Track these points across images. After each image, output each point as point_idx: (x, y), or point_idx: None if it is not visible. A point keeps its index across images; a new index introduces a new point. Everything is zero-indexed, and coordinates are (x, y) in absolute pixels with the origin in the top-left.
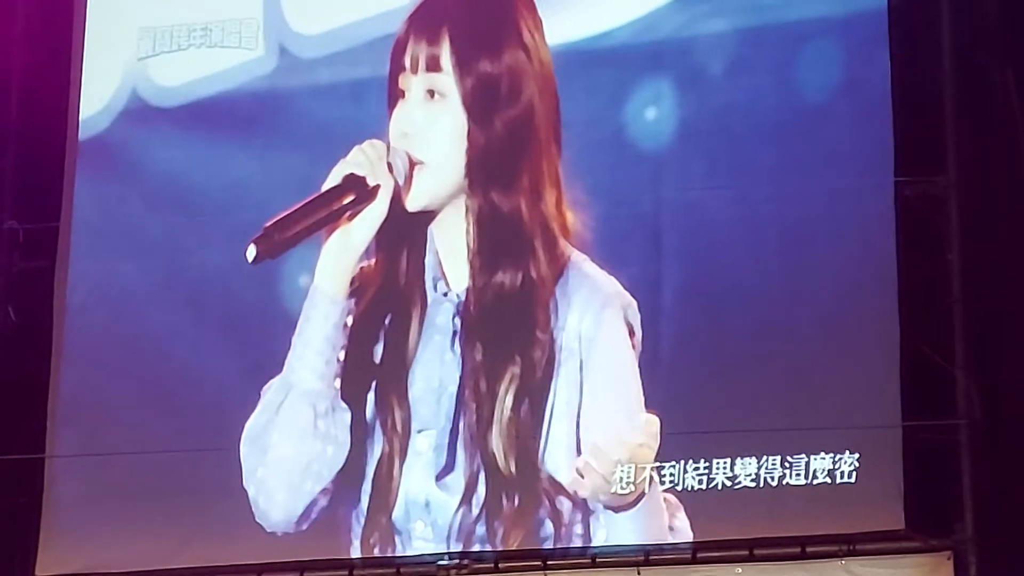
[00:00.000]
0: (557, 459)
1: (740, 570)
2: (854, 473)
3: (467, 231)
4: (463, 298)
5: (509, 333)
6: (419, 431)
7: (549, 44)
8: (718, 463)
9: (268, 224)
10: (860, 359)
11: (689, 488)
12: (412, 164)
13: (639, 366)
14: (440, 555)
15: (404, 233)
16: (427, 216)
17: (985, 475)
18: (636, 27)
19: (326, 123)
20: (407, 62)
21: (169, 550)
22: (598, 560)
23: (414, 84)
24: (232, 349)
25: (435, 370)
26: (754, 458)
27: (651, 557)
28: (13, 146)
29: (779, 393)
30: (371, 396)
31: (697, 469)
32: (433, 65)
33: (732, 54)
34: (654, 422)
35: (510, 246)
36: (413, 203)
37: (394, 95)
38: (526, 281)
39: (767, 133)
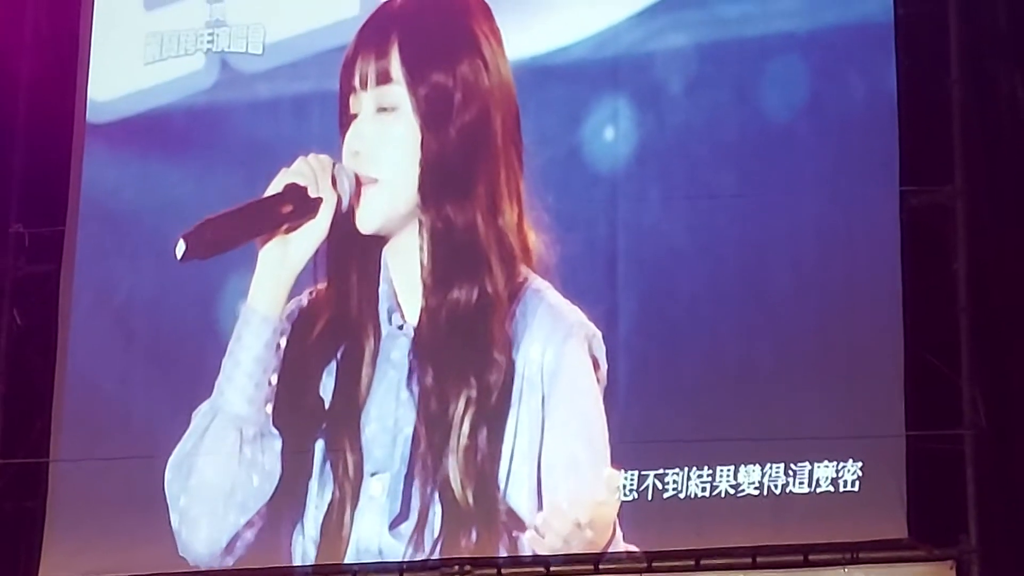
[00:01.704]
0: (519, 499)
1: None
2: (857, 482)
3: (421, 248)
4: (417, 332)
5: (464, 354)
6: (372, 474)
7: (514, 58)
8: (722, 471)
9: (201, 222)
10: (864, 368)
11: (692, 496)
12: (360, 183)
13: (608, 396)
14: (447, 561)
15: (355, 259)
16: (380, 241)
17: (990, 485)
18: (594, 42)
19: (266, 141)
20: (356, 81)
21: (172, 555)
22: (601, 567)
23: (364, 101)
24: (164, 375)
25: (390, 409)
26: (758, 466)
27: (654, 564)
28: (20, 150)
29: (783, 401)
30: (320, 438)
31: (701, 476)
32: (383, 78)
33: (692, 71)
34: (616, 477)
35: (465, 262)
36: (366, 224)
37: (345, 118)
38: (482, 298)
39: (728, 153)
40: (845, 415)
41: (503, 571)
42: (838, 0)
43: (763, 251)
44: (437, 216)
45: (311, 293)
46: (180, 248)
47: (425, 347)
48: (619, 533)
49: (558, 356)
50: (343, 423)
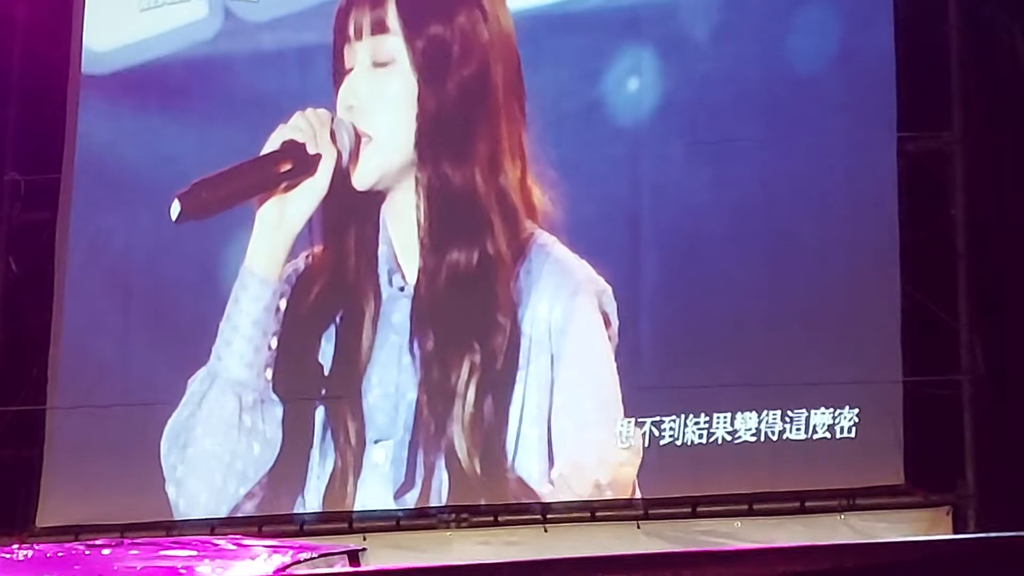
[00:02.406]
0: (529, 465)
1: (739, 524)
2: (854, 428)
3: (417, 207)
4: (417, 290)
5: (466, 318)
6: (375, 441)
7: (518, 8)
8: (718, 417)
9: (196, 181)
10: (861, 315)
11: (689, 443)
12: (359, 138)
13: (618, 354)
14: (441, 508)
15: (353, 219)
16: (378, 198)
17: (987, 431)
18: None
19: (269, 93)
20: (351, 30)
21: (169, 503)
22: (597, 515)
23: (359, 52)
24: (160, 326)
25: (391, 375)
26: (754, 412)
27: (650, 512)
28: (15, 98)
29: (779, 348)
30: (321, 405)
31: (697, 424)
32: (379, 27)
33: (717, 18)
34: (637, 435)
35: (464, 221)
36: (361, 181)
37: (340, 69)
38: (483, 259)
39: (753, 104)
40: (842, 362)
41: (500, 518)
42: None
43: (761, 200)
44: (434, 173)
45: (308, 256)
46: (175, 209)
47: (425, 310)
48: (638, 493)
49: (567, 313)
50: (344, 390)
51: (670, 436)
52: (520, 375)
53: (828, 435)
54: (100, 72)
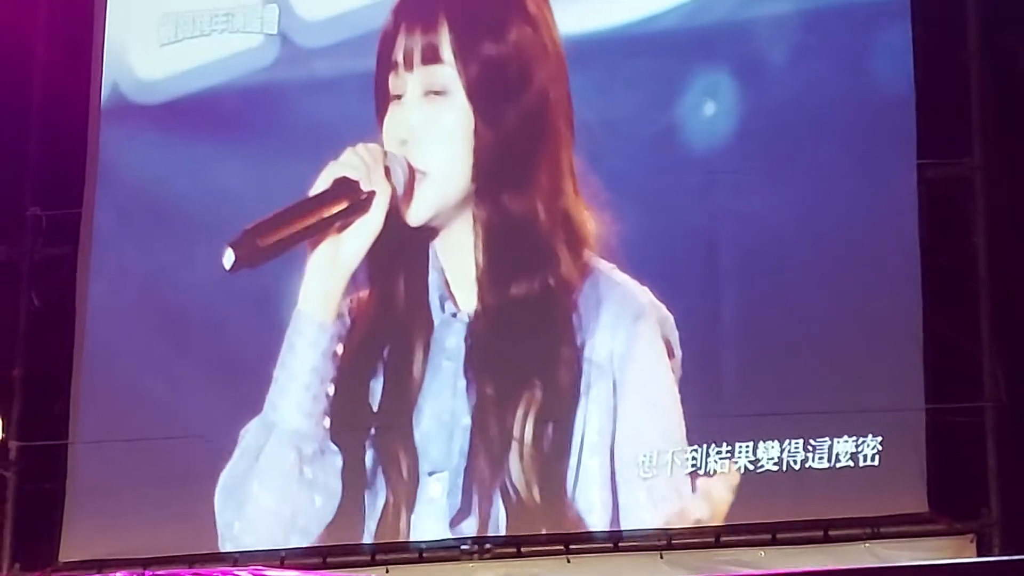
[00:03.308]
0: (590, 495)
1: (763, 553)
2: (877, 456)
3: (475, 245)
4: (473, 318)
5: (525, 345)
6: (430, 474)
7: (586, 29)
8: (741, 447)
9: (248, 227)
10: (883, 342)
11: (711, 472)
12: (413, 173)
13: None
14: (463, 539)
15: (402, 252)
16: (428, 232)
17: (1010, 458)
18: (686, 9)
19: (327, 122)
20: (399, 57)
21: (191, 535)
22: (620, 545)
23: (410, 83)
24: (216, 381)
25: (446, 402)
26: (776, 442)
27: (674, 541)
28: (36, 133)
29: (802, 376)
30: (368, 443)
31: (720, 453)
32: (431, 56)
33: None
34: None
35: (525, 253)
36: (415, 217)
37: (383, 98)
38: (545, 291)
39: (833, 129)
40: (864, 389)
41: (522, 550)
42: None
43: (786, 226)
44: (494, 208)
45: (356, 297)
46: (229, 258)
47: (483, 337)
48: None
49: (629, 339)
50: (393, 425)
51: (692, 466)
52: (581, 402)
53: (851, 463)
54: (151, 101)
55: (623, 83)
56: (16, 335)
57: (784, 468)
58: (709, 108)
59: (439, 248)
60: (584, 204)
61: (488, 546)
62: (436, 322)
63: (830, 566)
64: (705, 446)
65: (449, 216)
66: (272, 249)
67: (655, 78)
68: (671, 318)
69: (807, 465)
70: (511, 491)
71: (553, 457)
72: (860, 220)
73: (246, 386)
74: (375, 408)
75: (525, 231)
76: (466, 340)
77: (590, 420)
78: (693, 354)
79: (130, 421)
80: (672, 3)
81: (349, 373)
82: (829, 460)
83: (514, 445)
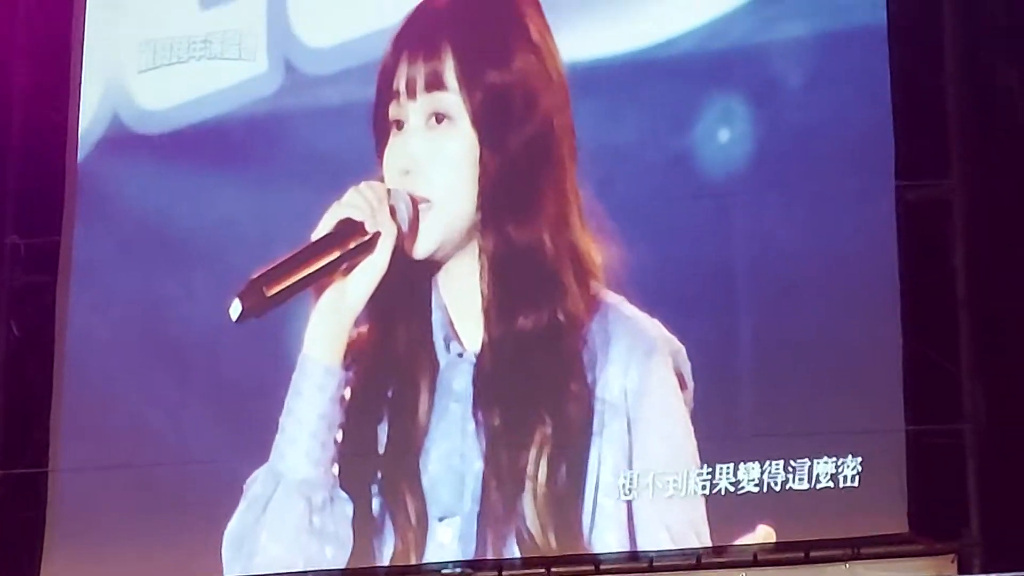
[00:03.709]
0: (606, 537)
1: (745, 575)
2: (857, 477)
3: (480, 276)
4: (479, 357)
5: (535, 383)
6: (440, 519)
7: (592, 56)
8: (721, 468)
9: (254, 277)
10: (863, 363)
11: (692, 493)
12: (416, 206)
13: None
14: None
15: (404, 292)
16: (431, 268)
17: (990, 479)
18: (702, 34)
19: (333, 152)
20: (401, 86)
21: (174, 566)
22: (602, 567)
23: (412, 111)
24: (219, 421)
25: (455, 445)
26: (757, 463)
27: (655, 563)
28: (15, 160)
29: (781, 397)
30: (376, 488)
31: (700, 475)
32: (435, 82)
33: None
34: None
35: (532, 286)
36: (421, 249)
37: (383, 129)
38: (553, 322)
39: (852, 152)
40: (844, 410)
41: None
42: None
43: (765, 245)
44: (499, 239)
45: (356, 336)
46: (236, 309)
47: (491, 376)
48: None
49: (643, 374)
50: (400, 469)
51: (674, 488)
52: (595, 441)
53: (831, 484)
54: (153, 131)
55: (632, 110)
56: None
57: (765, 489)
58: (723, 134)
59: (442, 285)
60: (591, 235)
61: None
62: (442, 363)
63: None
64: (716, 467)
65: (454, 247)
66: (279, 297)
67: (665, 104)
68: (683, 349)
69: (788, 487)
70: (525, 535)
71: (568, 499)
72: (835, 242)
73: (245, 419)
74: (381, 452)
75: (531, 262)
76: (474, 382)
77: (604, 459)
78: (707, 384)
79: (111, 450)
80: (684, 28)
81: (356, 417)
82: (809, 481)
83: (528, 487)
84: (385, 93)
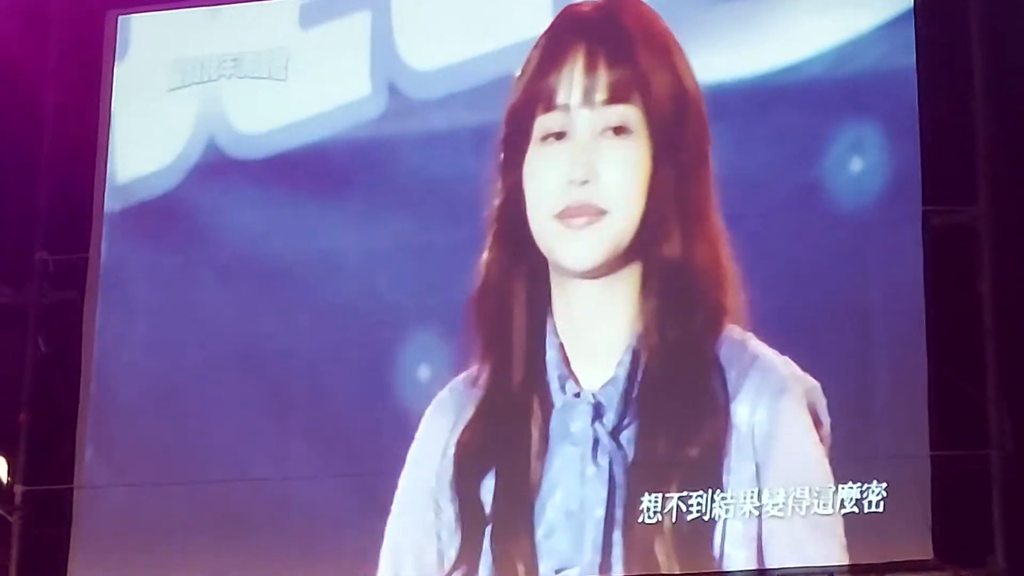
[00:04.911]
0: None
1: None
2: (882, 503)
3: (639, 295)
4: (600, 397)
5: (661, 423)
6: (557, 572)
7: (720, 79)
8: (746, 492)
9: None
10: (888, 389)
11: (716, 517)
12: (593, 215)
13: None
14: None
15: (516, 327)
16: (543, 302)
17: (1016, 506)
18: (831, 58)
19: (439, 179)
20: (571, 97)
21: None
22: None
23: (583, 121)
24: (325, 462)
25: (574, 491)
26: (782, 488)
27: None
28: (45, 179)
29: None
30: (487, 553)
31: (724, 499)
32: (618, 95)
33: None
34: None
35: (681, 312)
36: (584, 261)
37: (520, 139)
38: (684, 357)
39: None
40: (869, 436)
41: None
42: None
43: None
44: (658, 258)
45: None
46: None
47: (613, 416)
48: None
49: (772, 416)
50: (509, 525)
51: (697, 511)
52: (725, 481)
53: (856, 510)
54: (251, 157)
55: (761, 136)
56: (23, 379)
57: (789, 514)
58: (856, 164)
59: (557, 317)
60: (726, 268)
61: None
62: (557, 405)
63: None
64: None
65: (617, 263)
66: None
67: (796, 131)
68: (818, 387)
69: (812, 512)
70: None
71: (698, 547)
72: (862, 266)
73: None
74: (488, 510)
75: (683, 286)
76: (594, 424)
77: (733, 508)
78: (843, 420)
79: (137, 467)
80: (813, 51)
81: (462, 472)
82: (834, 507)
83: (655, 538)
84: (531, 103)
